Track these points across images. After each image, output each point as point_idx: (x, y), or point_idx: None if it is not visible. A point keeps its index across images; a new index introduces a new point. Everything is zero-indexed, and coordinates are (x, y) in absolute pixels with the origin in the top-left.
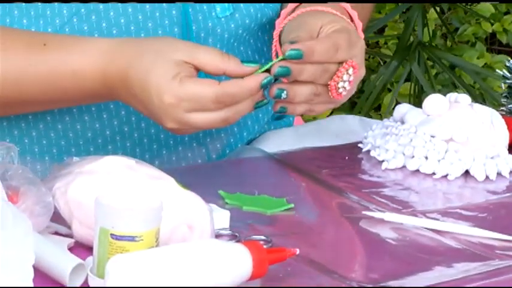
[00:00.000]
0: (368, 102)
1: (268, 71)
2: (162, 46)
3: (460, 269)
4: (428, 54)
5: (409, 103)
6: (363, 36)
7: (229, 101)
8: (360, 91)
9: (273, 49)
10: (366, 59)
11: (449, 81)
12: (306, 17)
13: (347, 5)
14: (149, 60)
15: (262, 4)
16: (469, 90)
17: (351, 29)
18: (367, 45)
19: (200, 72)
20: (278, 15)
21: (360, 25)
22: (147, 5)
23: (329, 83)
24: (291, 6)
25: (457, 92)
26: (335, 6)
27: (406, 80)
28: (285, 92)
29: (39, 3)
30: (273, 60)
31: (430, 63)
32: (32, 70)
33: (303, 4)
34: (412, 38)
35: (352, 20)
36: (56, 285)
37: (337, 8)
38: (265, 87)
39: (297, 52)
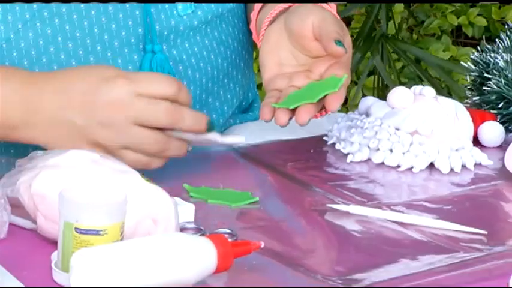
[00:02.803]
0: None
1: None
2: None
3: (425, 262)
4: (393, 47)
5: (374, 96)
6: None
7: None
8: None
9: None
10: None
11: (415, 75)
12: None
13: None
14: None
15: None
16: (435, 84)
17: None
18: None
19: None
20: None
21: (334, 8)
22: (110, 7)
23: None
24: (257, 7)
25: (422, 85)
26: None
27: (372, 73)
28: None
29: (0, 8)
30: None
31: (395, 56)
32: None
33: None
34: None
35: None
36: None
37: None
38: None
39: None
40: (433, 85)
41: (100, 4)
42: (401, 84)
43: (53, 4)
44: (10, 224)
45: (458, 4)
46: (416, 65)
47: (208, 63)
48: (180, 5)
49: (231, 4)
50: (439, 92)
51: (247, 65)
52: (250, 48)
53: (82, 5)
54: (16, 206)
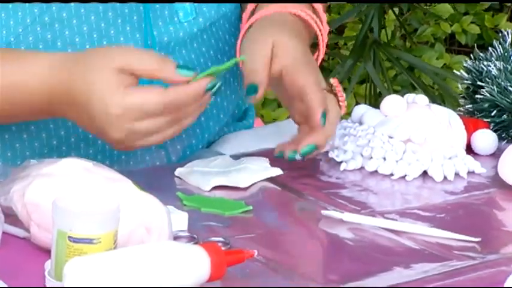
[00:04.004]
0: None
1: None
2: (98, 60)
3: (419, 270)
4: (385, 54)
5: (367, 103)
6: (327, 29)
7: (176, 108)
8: None
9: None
10: (325, 60)
11: (408, 82)
12: (257, 32)
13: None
14: (89, 75)
15: (224, 8)
16: (428, 91)
17: (306, 54)
18: (326, 46)
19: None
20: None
21: (324, 18)
22: (110, 13)
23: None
24: (249, 8)
25: (415, 93)
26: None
27: (365, 81)
28: (297, 154)
29: (2, 12)
30: (211, 68)
31: (388, 64)
32: None
33: (260, 5)
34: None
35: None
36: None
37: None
38: (210, 90)
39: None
40: (426, 93)
41: (100, 9)
42: (395, 92)
43: (54, 9)
44: (3, 232)
45: (452, 12)
46: (409, 72)
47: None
48: (181, 12)
49: (229, 14)
50: (433, 100)
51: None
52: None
53: (82, 10)
54: (9, 215)
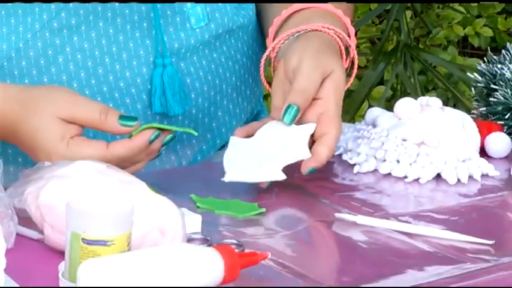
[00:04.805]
0: (355, 105)
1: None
2: (45, 105)
3: (432, 272)
4: (415, 57)
5: (381, 107)
6: (355, 42)
7: (120, 161)
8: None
9: (263, 60)
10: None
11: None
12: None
13: (339, 11)
14: (34, 121)
15: (234, 12)
16: (459, 94)
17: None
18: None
19: None
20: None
21: (352, 32)
22: (118, 19)
23: None
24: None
25: (430, 95)
26: (323, 14)
27: (379, 84)
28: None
29: (12, 18)
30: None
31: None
32: None
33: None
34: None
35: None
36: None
37: (326, 15)
38: (153, 142)
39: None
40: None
41: (108, 16)
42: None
43: (62, 15)
44: (17, 234)
45: (465, 14)
46: (443, 76)
47: (217, 77)
48: (193, 18)
49: (243, 20)
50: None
51: (256, 81)
52: (259, 64)
53: (91, 16)
54: (23, 217)
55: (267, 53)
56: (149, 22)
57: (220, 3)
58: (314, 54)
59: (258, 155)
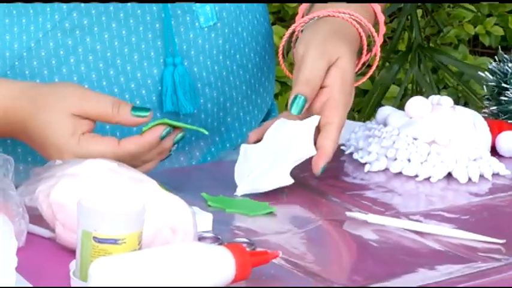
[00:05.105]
0: (372, 105)
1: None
2: (55, 102)
3: (443, 271)
4: (431, 58)
5: (393, 106)
6: (384, 30)
7: (130, 158)
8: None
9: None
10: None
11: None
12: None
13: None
14: (45, 117)
15: (242, 18)
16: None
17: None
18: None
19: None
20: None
21: (382, 19)
22: (131, 20)
23: None
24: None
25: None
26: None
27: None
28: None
29: (23, 17)
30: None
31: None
32: None
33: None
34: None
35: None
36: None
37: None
38: (164, 138)
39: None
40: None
41: (121, 17)
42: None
43: (74, 16)
44: (28, 232)
45: (475, 13)
46: (458, 76)
47: (226, 84)
48: (202, 17)
49: (250, 29)
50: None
51: (267, 91)
52: (270, 75)
53: (103, 17)
54: (34, 215)
55: (284, 39)
56: (161, 23)
57: (227, 4)
58: (320, 42)
59: (266, 160)
